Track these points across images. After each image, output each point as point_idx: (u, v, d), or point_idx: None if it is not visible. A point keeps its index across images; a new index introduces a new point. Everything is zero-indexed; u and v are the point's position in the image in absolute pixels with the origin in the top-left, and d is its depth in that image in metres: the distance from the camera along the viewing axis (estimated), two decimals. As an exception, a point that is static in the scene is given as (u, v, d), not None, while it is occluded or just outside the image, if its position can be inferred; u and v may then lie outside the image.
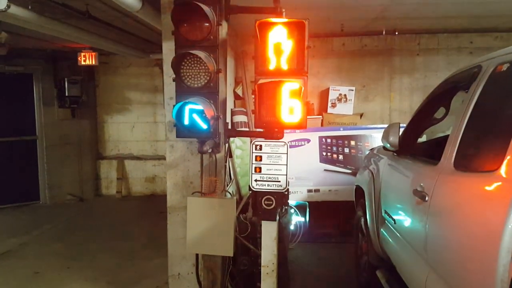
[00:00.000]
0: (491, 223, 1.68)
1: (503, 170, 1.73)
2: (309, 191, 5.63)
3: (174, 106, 2.79)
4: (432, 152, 2.61)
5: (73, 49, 6.74)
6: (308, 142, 5.75)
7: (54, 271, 4.62)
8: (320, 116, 6.52)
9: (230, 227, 3.06)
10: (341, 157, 5.71)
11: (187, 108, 2.78)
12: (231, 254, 3.16)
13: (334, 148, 5.74)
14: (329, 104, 6.52)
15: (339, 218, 5.58)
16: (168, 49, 3.30)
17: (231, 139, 5.32)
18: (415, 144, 3.32)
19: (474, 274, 1.82)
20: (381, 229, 3.41)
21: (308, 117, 3.59)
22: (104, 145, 8.45)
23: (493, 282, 1.60)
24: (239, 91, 6.33)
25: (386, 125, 3.45)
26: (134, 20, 4.80)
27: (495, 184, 1.77)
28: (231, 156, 5.40)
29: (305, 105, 2.74)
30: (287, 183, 2.88)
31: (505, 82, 2.08)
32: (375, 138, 5.58)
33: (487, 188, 1.83)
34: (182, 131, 2.88)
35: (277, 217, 2.91)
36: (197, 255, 3.31)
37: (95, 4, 4.19)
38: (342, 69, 6.70)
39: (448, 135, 2.41)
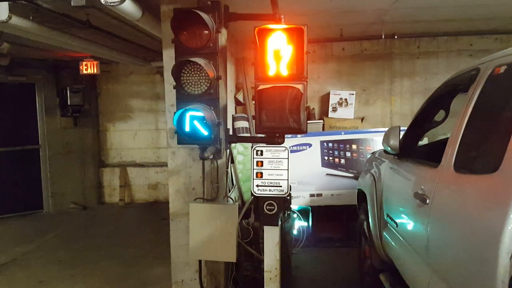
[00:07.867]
0: (491, 224, 1.68)
1: (502, 171, 1.74)
2: (312, 195, 5.62)
3: (175, 113, 2.82)
4: (432, 155, 2.61)
5: (75, 58, 6.78)
6: (310, 147, 5.76)
7: (58, 280, 4.63)
8: (321, 121, 6.53)
9: (233, 233, 3.07)
10: (343, 161, 5.71)
11: (188, 115, 2.80)
12: (234, 260, 3.17)
13: (336, 152, 5.74)
14: (330, 109, 6.53)
15: (342, 222, 5.57)
16: (169, 57, 3.33)
17: (233, 145, 5.34)
18: (415, 147, 3.33)
19: (475, 276, 1.82)
20: (384, 233, 3.41)
21: (309, 122, 3.61)
22: (107, 153, 8.47)
23: (494, 284, 1.61)
24: (240, 97, 6.36)
25: (387, 129, 3.45)
26: (135, 28, 4.83)
27: (495, 185, 1.78)
28: (233, 162, 5.41)
29: (305, 110, 2.75)
30: (289, 188, 2.88)
31: (502, 84, 2.09)
32: (376, 142, 5.58)
33: (487, 189, 1.84)
34: (183, 137, 2.90)
35: (279, 222, 2.92)
36: (200, 261, 3.31)
37: (95, 13, 4.22)
38: (342, 73, 6.72)
39: (449, 137, 2.42)
